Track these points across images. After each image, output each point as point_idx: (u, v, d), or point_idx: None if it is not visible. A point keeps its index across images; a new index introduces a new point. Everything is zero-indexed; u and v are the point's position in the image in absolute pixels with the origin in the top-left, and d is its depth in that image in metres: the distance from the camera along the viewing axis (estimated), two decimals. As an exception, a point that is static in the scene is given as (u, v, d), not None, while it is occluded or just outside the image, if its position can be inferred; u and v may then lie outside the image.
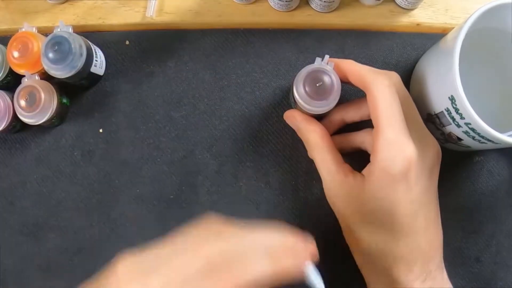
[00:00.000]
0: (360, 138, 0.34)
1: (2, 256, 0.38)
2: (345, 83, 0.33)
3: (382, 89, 0.29)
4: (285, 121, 0.37)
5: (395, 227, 0.30)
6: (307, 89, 0.32)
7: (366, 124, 0.34)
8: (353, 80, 0.31)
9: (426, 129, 0.32)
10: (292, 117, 0.35)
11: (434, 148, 0.31)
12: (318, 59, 0.32)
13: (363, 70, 0.31)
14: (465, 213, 0.38)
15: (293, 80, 0.33)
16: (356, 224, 0.31)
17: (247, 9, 0.39)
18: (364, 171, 0.31)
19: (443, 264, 0.32)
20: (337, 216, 0.33)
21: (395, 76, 0.32)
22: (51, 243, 0.38)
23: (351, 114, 0.33)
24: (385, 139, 0.29)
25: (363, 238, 0.31)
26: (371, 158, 0.30)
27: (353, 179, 0.31)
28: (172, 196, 0.38)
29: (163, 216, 0.38)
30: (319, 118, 0.35)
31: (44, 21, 0.40)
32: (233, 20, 0.39)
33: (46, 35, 0.37)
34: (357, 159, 0.33)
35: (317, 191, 0.37)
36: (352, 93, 0.38)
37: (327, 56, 0.32)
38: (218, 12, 0.39)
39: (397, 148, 0.28)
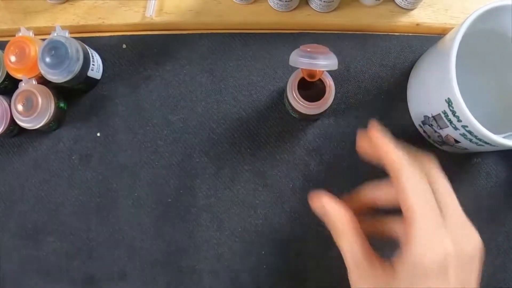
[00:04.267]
0: (390, 226, 0.32)
1: (1, 260, 0.38)
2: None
3: (412, 178, 0.28)
4: (283, 123, 0.36)
5: None
6: (300, 92, 0.32)
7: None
8: (384, 161, 0.29)
9: (467, 220, 0.30)
10: (318, 200, 0.32)
11: (474, 240, 0.29)
12: (295, 57, 0.31)
13: (394, 155, 0.29)
14: (464, 215, 0.38)
15: (287, 83, 0.33)
16: None
17: (247, 9, 0.39)
18: (394, 262, 0.29)
19: None
20: None
21: (430, 163, 0.30)
22: (50, 247, 0.38)
23: (385, 197, 0.31)
24: (419, 230, 0.27)
25: None
26: (403, 249, 0.28)
27: (381, 271, 0.29)
28: (170, 200, 0.38)
29: (161, 219, 0.38)
30: (315, 119, 0.35)
31: (44, 21, 0.40)
32: (233, 20, 0.39)
33: (45, 39, 0.37)
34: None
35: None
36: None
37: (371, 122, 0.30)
38: (218, 12, 0.39)
39: (432, 240, 0.27)
